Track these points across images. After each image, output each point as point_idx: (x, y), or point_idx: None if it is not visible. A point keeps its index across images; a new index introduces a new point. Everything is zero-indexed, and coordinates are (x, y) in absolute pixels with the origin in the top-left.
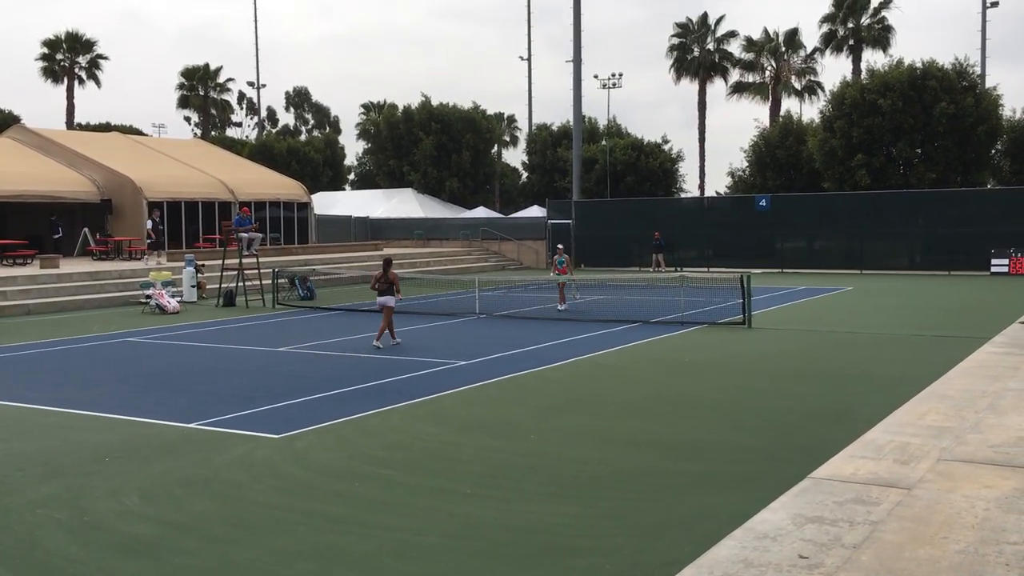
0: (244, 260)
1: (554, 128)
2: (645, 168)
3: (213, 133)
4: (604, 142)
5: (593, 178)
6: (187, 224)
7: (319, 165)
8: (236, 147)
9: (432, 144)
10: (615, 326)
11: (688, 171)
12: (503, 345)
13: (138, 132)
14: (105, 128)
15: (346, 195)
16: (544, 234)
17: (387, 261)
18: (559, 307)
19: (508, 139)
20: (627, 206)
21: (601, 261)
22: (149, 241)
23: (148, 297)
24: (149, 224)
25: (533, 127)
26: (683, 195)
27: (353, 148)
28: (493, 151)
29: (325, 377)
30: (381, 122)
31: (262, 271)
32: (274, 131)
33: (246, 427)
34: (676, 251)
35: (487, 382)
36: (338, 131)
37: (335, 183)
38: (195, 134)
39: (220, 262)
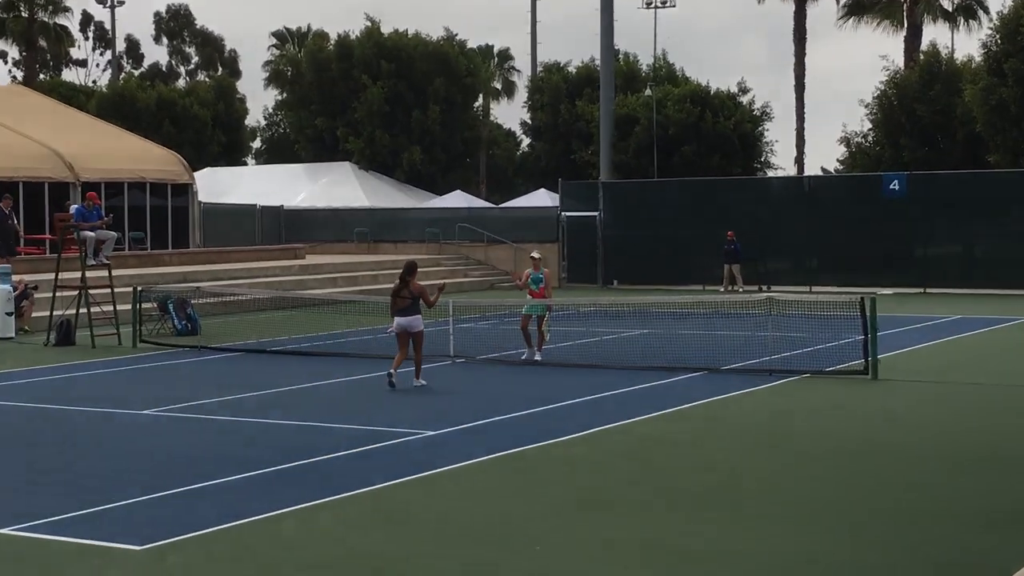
0: (89, 274)
1: (571, 70)
2: (712, 131)
3: (42, 76)
4: (649, 91)
5: (632, 147)
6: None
7: (206, 126)
8: (78, 98)
9: (382, 94)
10: (665, 376)
11: (779, 136)
12: (492, 405)
13: None
14: None
15: (249, 173)
16: (555, 234)
17: (410, 266)
18: (535, 356)
19: (500, 87)
20: (684, 191)
21: (643, 276)
22: None
23: None
24: None
25: (539, 69)
26: (772, 173)
27: (259, 100)
28: (477, 105)
29: (215, 455)
30: (303, 60)
31: (117, 291)
32: (136, 73)
33: (91, 534)
34: (761, 261)
35: (468, 463)
36: (236, 74)
37: (232, 154)
38: (13, 78)
39: (51, 277)
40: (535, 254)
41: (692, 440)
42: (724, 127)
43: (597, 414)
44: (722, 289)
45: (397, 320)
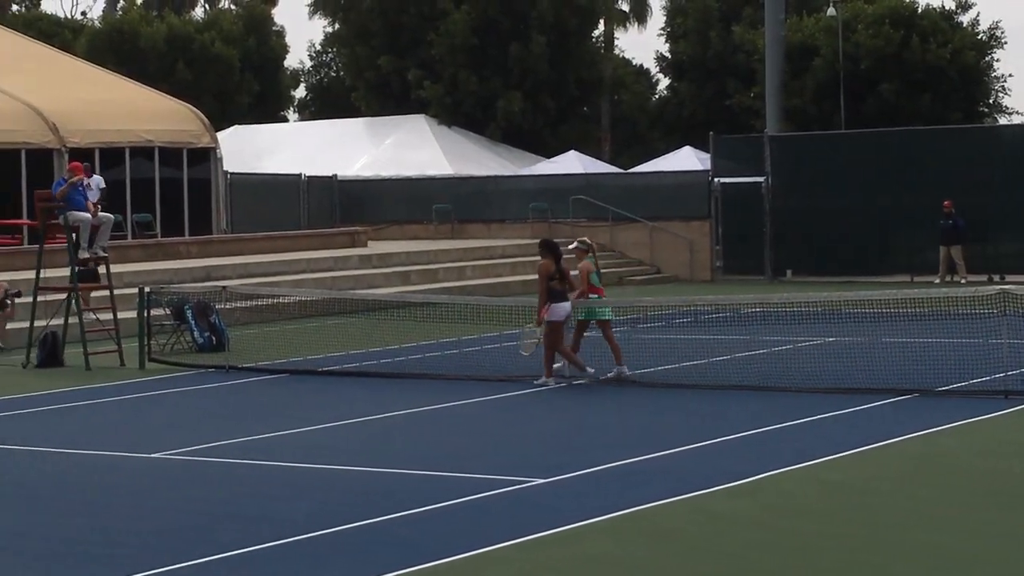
0: (81, 271)
1: None
2: (920, 64)
3: (16, 8)
4: (832, 10)
5: (810, 87)
6: None
7: (233, 69)
8: (62, 35)
9: (468, 22)
10: (861, 401)
11: (1014, 68)
12: (621, 443)
13: None
14: None
15: (291, 132)
16: (706, 208)
17: (549, 244)
18: (608, 373)
19: (627, 8)
20: (882, 146)
21: (826, 264)
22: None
23: None
24: None
25: None
26: (1005, 120)
27: (303, 33)
28: (597, 34)
29: (246, 512)
30: None
31: (117, 293)
32: (139, 1)
33: None
34: (992, 241)
35: (585, 523)
36: (272, 0)
37: (268, 107)
38: None
39: (31, 276)
40: (581, 242)
41: (896, 489)
42: (937, 58)
43: (764, 454)
44: (937, 280)
45: (563, 306)
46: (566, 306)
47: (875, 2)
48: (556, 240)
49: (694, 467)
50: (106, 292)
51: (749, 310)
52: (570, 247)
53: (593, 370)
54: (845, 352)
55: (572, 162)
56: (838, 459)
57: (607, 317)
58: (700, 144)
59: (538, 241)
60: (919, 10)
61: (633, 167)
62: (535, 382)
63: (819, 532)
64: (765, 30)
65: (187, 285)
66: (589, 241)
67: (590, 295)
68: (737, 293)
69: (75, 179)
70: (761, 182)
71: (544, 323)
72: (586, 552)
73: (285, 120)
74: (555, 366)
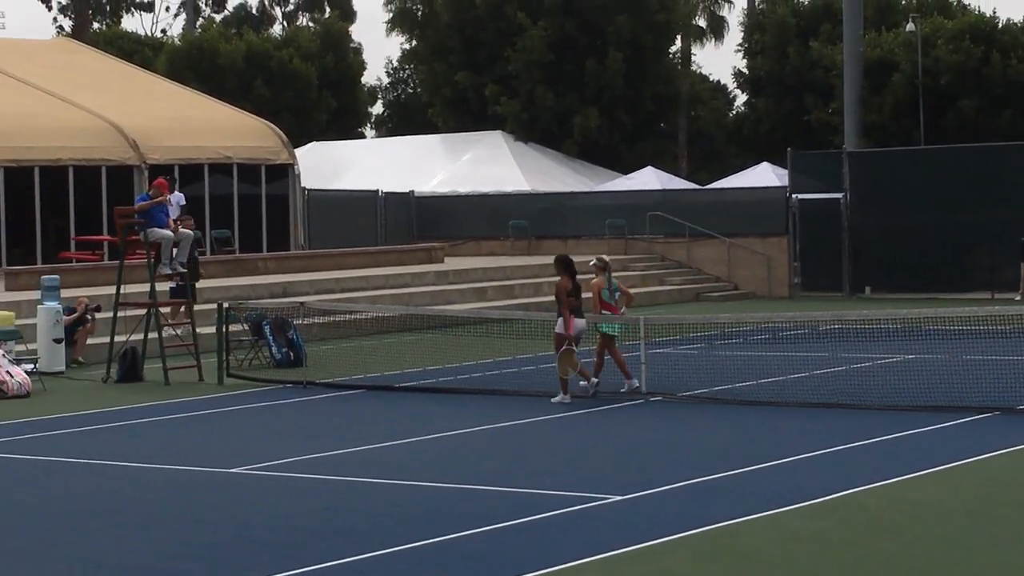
0: (160, 286)
1: (802, 0)
2: (1001, 79)
3: (97, 26)
4: (911, 25)
5: (888, 103)
6: (44, 214)
7: (311, 86)
8: (143, 53)
9: (545, 38)
10: (942, 419)
11: None
12: (698, 460)
13: None
14: None
15: (368, 148)
16: (783, 224)
17: (564, 261)
18: (588, 383)
19: (705, 25)
20: (962, 162)
21: (906, 280)
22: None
23: None
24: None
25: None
26: None
27: (380, 50)
28: (674, 50)
29: (324, 527)
30: None
31: (197, 309)
32: (218, 19)
33: None
34: None
35: (661, 540)
36: (349, 16)
37: (345, 123)
38: (59, 29)
39: (111, 292)
40: (600, 260)
41: (977, 509)
42: (1018, 73)
43: (842, 472)
44: (1018, 296)
45: (578, 323)
46: (580, 323)
47: (955, 17)
48: (623, 258)
49: (772, 485)
50: (185, 307)
51: (827, 327)
52: (590, 264)
53: (597, 380)
54: (925, 369)
55: (649, 178)
56: (917, 478)
57: (614, 333)
58: (778, 160)
59: (553, 258)
60: (1000, 25)
61: (710, 183)
62: (552, 400)
63: (898, 551)
64: (843, 46)
65: (265, 301)
66: (607, 259)
67: (602, 311)
68: (815, 310)
69: (160, 199)
70: (839, 198)
71: (555, 335)
72: (663, 569)
73: (362, 136)
74: (581, 383)
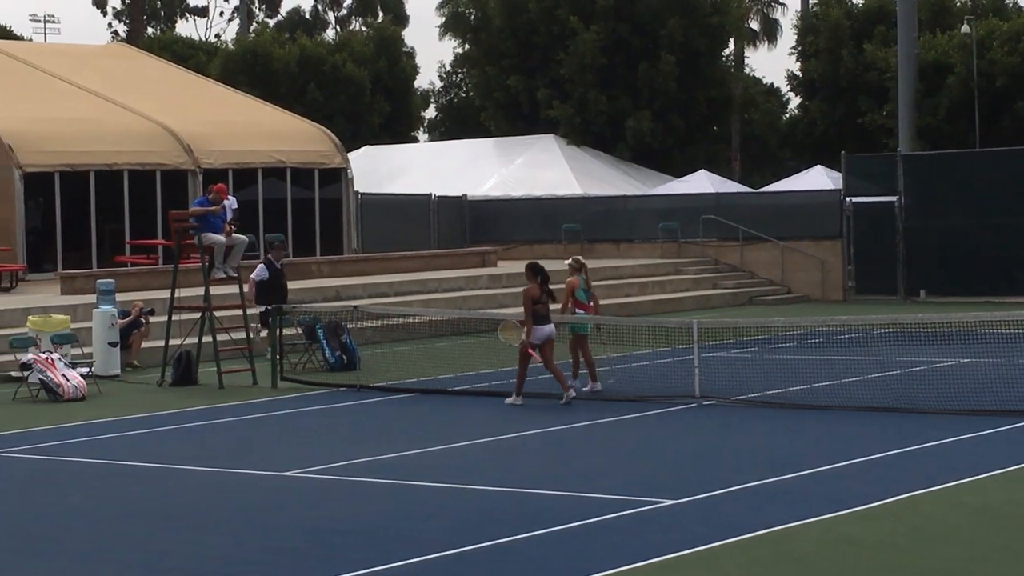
0: (215, 290)
1: (855, 2)
2: None
3: (151, 31)
4: (967, 27)
5: (943, 106)
6: (99, 218)
7: (364, 90)
8: (197, 58)
9: (597, 42)
10: (1000, 422)
11: None
12: (753, 464)
13: (6, 35)
14: None
15: (421, 152)
16: (838, 227)
17: (535, 268)
18: (583, 388)
19: (757, 27)
20: (1018, 164)
21: (961, 284)
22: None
23: (25, 368)
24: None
25: (811, 1)
26: None
27: (433, 54)
28: (727, 53)
29: (380, 531)
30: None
31: (250, 312)
32: (272, 23)
33: None
34: None
35: (716, 544)
36: (402, 20)
37: (398, 127)
38: (114, 34)
39: (167, 298)
40: (578, 257)
41: None
42: None
43: (898, 476)
44: None
45: (544, 329)
46: (546, 329)
47: (1011, 19)
48: (675, 261)
49: (827, 489)
50: (238, 311)
51: (882, 330)
52: (565, 263)
53: (574, 393)
54: (980, 373)
55: (702, 181)
56: (974, 482)
57: (585, 332)
58: (831, 163)
59: (532, 263)
60: None
61: (763, 186)
62: (506, 401)
63: (956, 556)
64: (898, 48)
65: (318, 304)
66: (582, 260)
67: (577, 311)
68: (870, 313)
69: (216, 208)
70: (894, 201)
71: (521, 341)
72: (718, 574)
73: (415, 141)
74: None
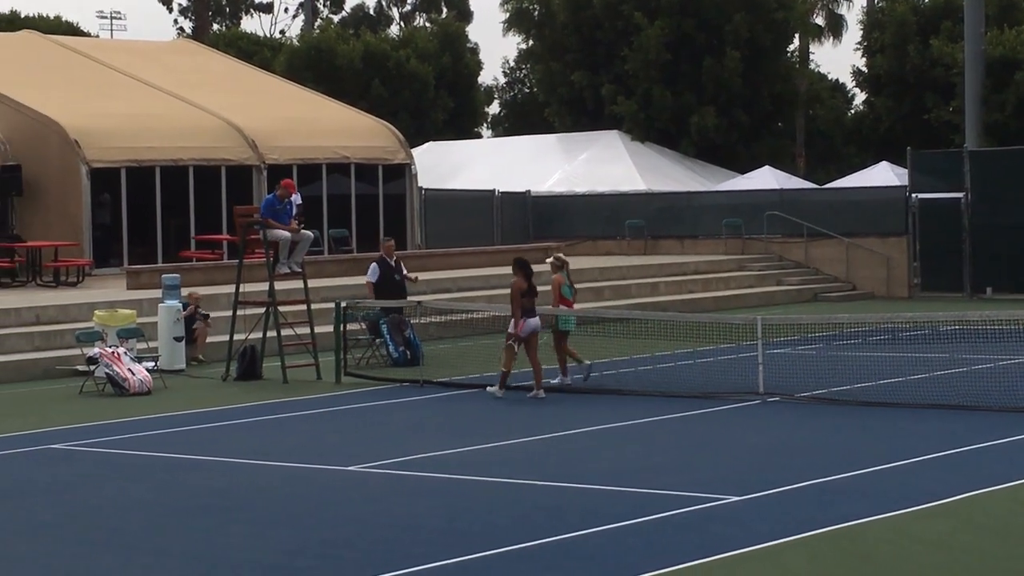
0: (280, 286)
1: None
2: None
3: (217, 27)
4: None
5: (1011, 101)
6: (165, 213)
7: (428, 86)
8: (262, 54)
9: (662, 37)
10: None
11: None
12: (817, 461)
13: (73, 31)
14: (9, 25)
15: (485, 148)
16: (903, 224)
17: (521, 263)
18: (560, 379)
19: (823, 23)
20: None
21: None
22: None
23: (92, 363)
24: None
25: None
26: None
27: (497, 50)
28: (792, 48)
29: (442, 526)
30: None
31: (315, 307)
32: (336, 19)
33: None
34: None
35: (779, 542)
36: (466, 16)
37: (462, 123)
38: (180, 31)
39: (231, 292)
40: (556, 259)
41: None
42: None
43: (964, 474)
44: None
45: (531, 322)
46: (533, 322)
47: None
48: (739, 257)
49: (891, 486)
50: (303, 306)
51: (948, 327)
52: (547, 260)
53: (543, 394)
54: None
55: (766, 177)
56: None
57: (568, 329)
58: (897, 159)
59: (519, 258)
60: None
61: (828, 182)
62: (487, 389)
63: (1020, 555)
64: (965, 44)
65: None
66: (564, 258)
67: (560, 306)
68: (935, 310)
69: (283, 205)
70: (960, 198)
71: (507, 333)
72: (782, 570)
73: (479, 136)
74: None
